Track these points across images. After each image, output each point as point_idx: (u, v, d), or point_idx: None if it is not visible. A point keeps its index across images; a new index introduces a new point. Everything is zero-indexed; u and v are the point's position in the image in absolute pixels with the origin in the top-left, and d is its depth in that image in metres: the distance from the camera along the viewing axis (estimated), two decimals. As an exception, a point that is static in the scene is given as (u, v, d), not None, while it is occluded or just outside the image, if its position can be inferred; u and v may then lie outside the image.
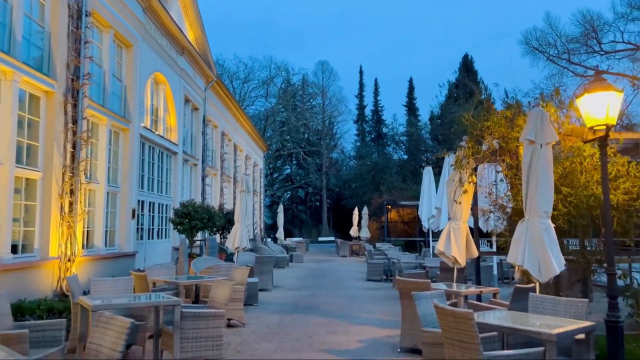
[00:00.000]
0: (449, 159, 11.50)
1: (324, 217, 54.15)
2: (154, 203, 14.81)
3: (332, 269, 20.22)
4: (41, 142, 8.86)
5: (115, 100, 12.08)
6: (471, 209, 8.53)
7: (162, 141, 15.13)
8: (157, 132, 14.93)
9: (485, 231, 11.28)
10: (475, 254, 8.16)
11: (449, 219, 8.16)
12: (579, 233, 7.64)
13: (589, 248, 7.86)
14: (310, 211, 57.04)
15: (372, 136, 57.64)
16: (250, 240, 19.23)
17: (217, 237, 17.12)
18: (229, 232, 13.64)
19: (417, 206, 20.51)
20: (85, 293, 7.21)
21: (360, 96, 59.33)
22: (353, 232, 31.11)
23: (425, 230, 18.31)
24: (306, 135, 54.61)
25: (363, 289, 13.84)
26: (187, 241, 13.34)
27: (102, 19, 10.99)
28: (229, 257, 14.82)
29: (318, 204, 56.92)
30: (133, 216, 12.36)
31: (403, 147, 51.00)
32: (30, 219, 8.67)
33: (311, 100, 56.63)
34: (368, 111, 58.99)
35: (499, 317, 5.19)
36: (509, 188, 8.32)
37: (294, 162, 55.67)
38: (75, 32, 9.66)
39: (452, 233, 7.75)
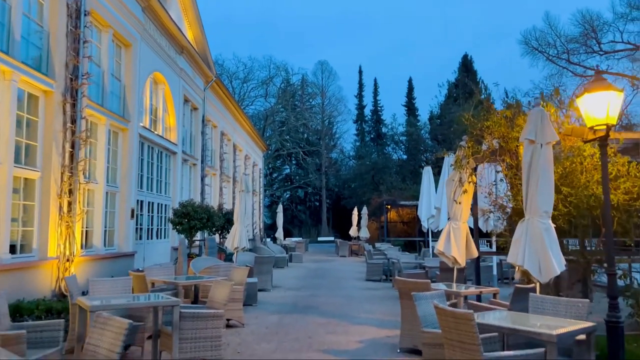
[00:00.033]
0: (449, 159, 11.48)
1: (324, 217, 54.13)
2: (153, 203, 14.79)
3: (332, 269, 20.21)
4: (40, 141, 8.84)
5: (114, 99, 12.06)
6: (471, 209, 8.51)
7: (161, 141, 15.11)
8: (156, 132, 14.90)
9: (485, 231, 11.26)
10: (475, 254, 8.14)
11: (448, 219, 8.15)
12: (579, 233, 7.62)
13: (588, 248, 7.85)
14: (310, 211, 57.01)
15: (372, 136, 57.61)
16: (249, 240, 19.22)
17: (217, 237, 17.09)
18: (228, 232, 13.62)
19: (416, 206, 20.49)
20: (84, 293, 7.18)
21: (360, 96, 59.31)
22: (352, 232, 31.09)
23: (425, 230, 18.29)
24: (305, 135, 54.59)
25: (362, 289, 13.82)
26: (186, 241, 13.31)
27: (101, 18, 10.97)
28: (228, 257, 14.80)
29: (317, 204, 56.90)
30: (132, 216, 12.33)
31: (402, 147, 50.98)
32: (28, 219, 8.65)
33: (310, 100, 56.62)
34: (367, 111, 58.99)
35: (499, 317, 5.17)
36: (509, 188, 8.30)
37: (294, 162, 55.65)
38: (74, 32, 9.64)
39: (452, 233, 7.73)
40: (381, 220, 33.63)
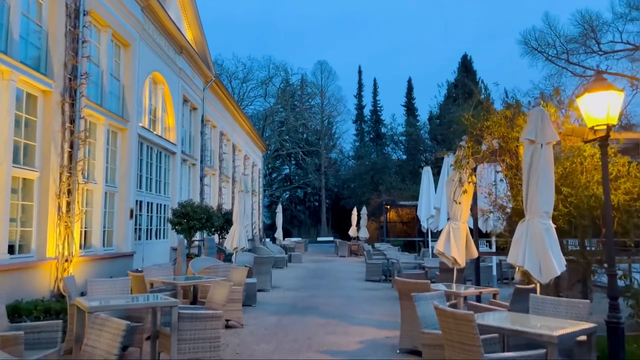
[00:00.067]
0: (448, 159, 11.47)
1: (323, 217, 54.11)
2: (152, 203, 14.76)
3: (331, 269, 20.19)
4: (38, 141, 8.81)
5: (113, 99, 12.03)
6: (471, 209, 8.49)
7: (160, 141, 15.08)
8: (155, 132, 14.88)
9: (484, 231, 11.25)
10: (475, 254, 8.12)
11: (448, 219, 8.13)
12: (579, 233, 7.60)
13: (588, 248, 7.83)
14: (309, 211, 56.99)
15: (371, 136, 57.59)
16: (248, 240, 19.20)
17: (216, 237, 17.07)
18: (228, 233, 13.60)
19: (416, 206, 20.46)
20: (82, 294, 7.15)
21: (359, 96, 59.28)
22: (352, 232, 31.07)
23: (424, 231, 18.27)
24: (305, 135, 54.57)
25: (362, 289, 13.80)
26: (186, 241, 13.29)
27: (100, 18, 10.94)
28: (228, 258, 14.79)
29: (317, 204, 56.88)
30: (131, 216, 12.31)
31: (402, 147, 50.95)
32: (27, 219, 8.62)
33: (310, 100, 56.60)
34: (367, 111, 58.97)
35: (499, 318, 5.15)
36: (509, 188, 8.28)
37: (293, 162, 55.62)
38: (72, 32, 9.62)
39: (452, 233, 7.71)
40: (380, 221, 33.62)
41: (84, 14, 9.91)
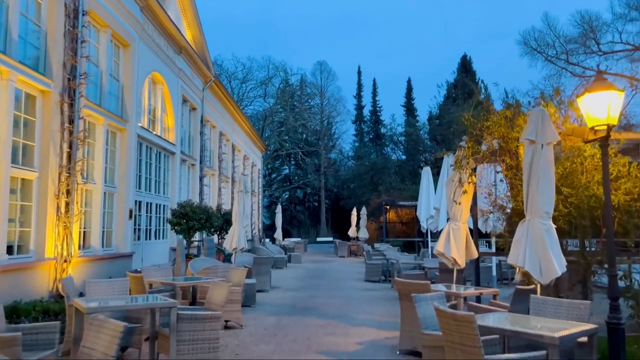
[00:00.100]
0: (448, 159, 11.45)
1: (323, 217, 54.09)
2: (151, 203, 14.74)
3: (331, 270, 20.16)
4: (37, 142, 8.79)
5: (112, 100, 12.01)
6: (470, 209, 8.47)
7: (159, 141, 15.06)
8: (154, 132, 14.85)
9: (484, 232, 11.23)
10: (475, 255, 8.10)
11: (447, 219, 8.11)
12: (579, 234, 7.58)
13: (589, 249, 7.81)
14: (309, 211, 56.97)
15: (371, 136, 57.59)
16: (248, 240, 19.19)
17: (215, 237, 17.04)
18: (227, 233, 13.58)
19: (415, 206, 20.44)
20: (81, 294, 7.13)
21: (359, 96, 59.26)
22: (351, 232, 31.05)
23: (424, 231, 18.27)
24: (304, 136, 54.55)
25: (361, 289, 13.78)
26: (185, 242, 13.27)
27: (99, 18, 10.92)
28: (227, 258, 14.77)
29: (316, 204, 56.86)
30: (130, 216, 12.28)
31: (401, 147, 50.97)
32: (26, 219, 8.59)
33: (309, 101, 56.58)
34: (366, 111, 58.96)
35: (500, 319, 5.12)
36: (509, 188, 8.26)
37: (292, 162, 55.61)
38: (72, 32, 9.59)
39: (452, 234, 7.69)
40: (380, 221, 33.60)
41: (83, 14, 9.89)
